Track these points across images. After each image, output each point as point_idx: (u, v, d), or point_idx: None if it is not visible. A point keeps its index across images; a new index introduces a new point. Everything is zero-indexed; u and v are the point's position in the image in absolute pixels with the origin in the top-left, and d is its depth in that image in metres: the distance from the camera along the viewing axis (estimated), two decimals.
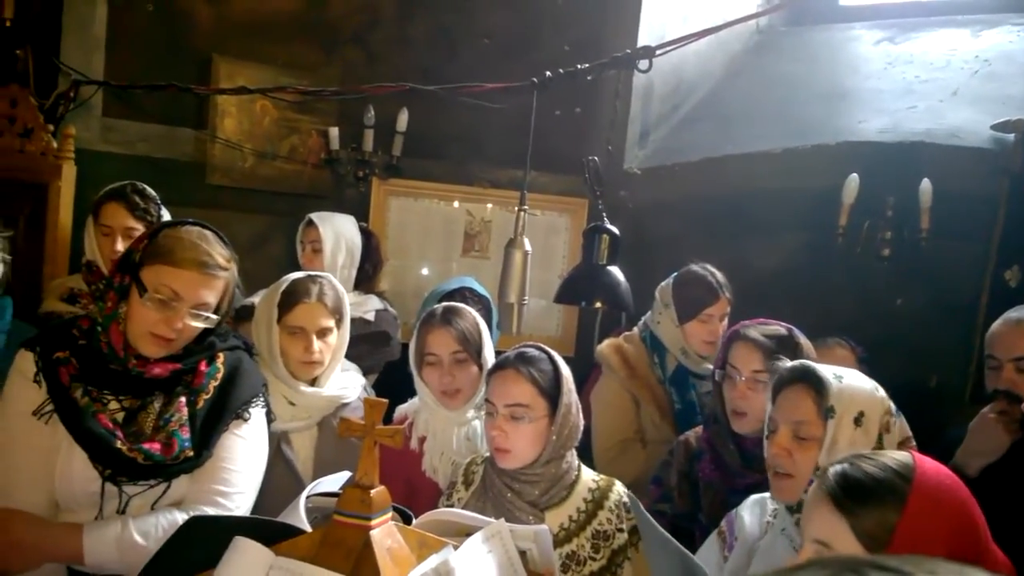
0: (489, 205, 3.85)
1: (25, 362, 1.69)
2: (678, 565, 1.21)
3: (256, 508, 1.78)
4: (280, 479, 1.94)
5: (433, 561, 1.16)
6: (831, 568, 0.54)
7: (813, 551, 1.16)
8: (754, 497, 1.74)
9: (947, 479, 1.16)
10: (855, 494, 1.13)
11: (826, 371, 1.54)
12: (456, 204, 3.87)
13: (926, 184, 2.86)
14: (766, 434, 1.62)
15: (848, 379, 1.53)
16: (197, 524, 1.22)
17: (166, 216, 2.62)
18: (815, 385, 1.52)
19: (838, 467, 1.18)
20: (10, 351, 1.90)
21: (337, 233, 3.09)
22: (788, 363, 1.65)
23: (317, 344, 2.09)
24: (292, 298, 2.09)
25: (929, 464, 1.18)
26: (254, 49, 3.71)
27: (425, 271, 3.90)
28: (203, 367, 1.77)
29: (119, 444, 1.62)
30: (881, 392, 1.54)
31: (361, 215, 3.59)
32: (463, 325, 2.18)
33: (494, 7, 3.80)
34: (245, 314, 2.53)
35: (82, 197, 3.07)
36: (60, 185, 3.15)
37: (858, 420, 1.48)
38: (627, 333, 2.73)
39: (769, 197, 3.18)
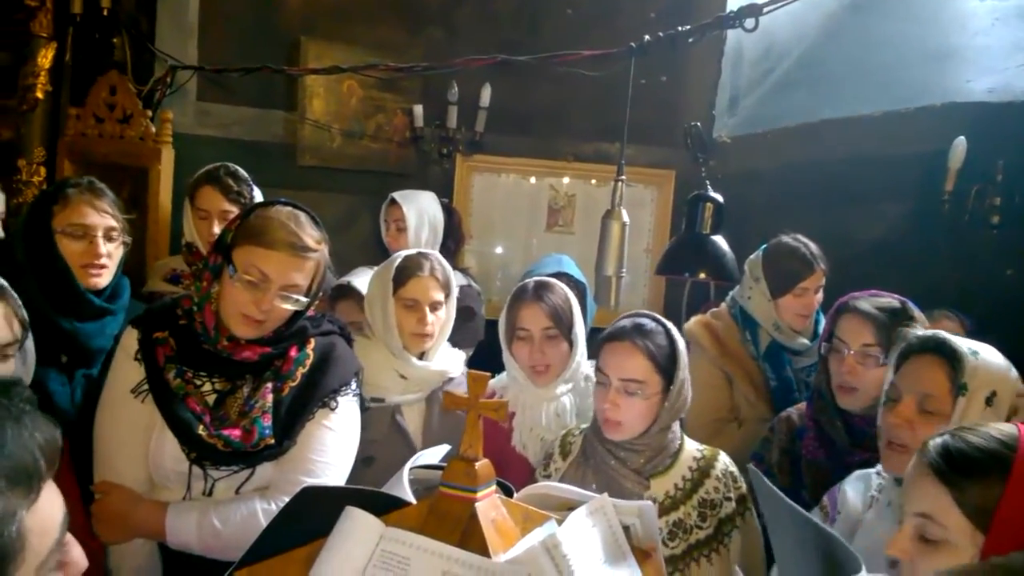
0: (565, 179, 3.80)
1: (129, 339, 1.73)
2: (809, 537, 1.16)
3: (372, 481, 1.78)
4: (396, 450, 1.98)
5: (539, 534, 1.16)
6: None
7: (915, 525, 1.13)
8: (858, 472, 1.69)
9: None
10: (958, 466, 1.10)
11: (962, 344, 1.48)
12: (532, 180, 3.83)
13: None
14: (883, 400, 1.56)
15: (984, 355, 1.47)
16: (309, 494, 1.24)
17: (258, 196, 2.64)
18: (949, 358, 1.47)
19: (939, 439, 1.15)
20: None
21: (420, 211, 3.15)
22: (920, 331, 1.59)
23: (430, 316, 2.13)
24: (406, 272, 2.14)
25: None
26: (340, 30, 3.75)
27: (508, 247, 3.90)
28: (293, 353, 1.75)
29: (201, 430, 1.64)
30: (1014, 371, 1.47)
31: (445, 192, 3.61)
32: (555, 301, 2.16)
33: None
34: (341, 293, 2.57)
35: (180, 180, 3.17)
36: (160, 168, 3.26)
37: (990, 399, 1.42)
38: (714, 309, 2.66)
39: (869, 163, 3.05)
